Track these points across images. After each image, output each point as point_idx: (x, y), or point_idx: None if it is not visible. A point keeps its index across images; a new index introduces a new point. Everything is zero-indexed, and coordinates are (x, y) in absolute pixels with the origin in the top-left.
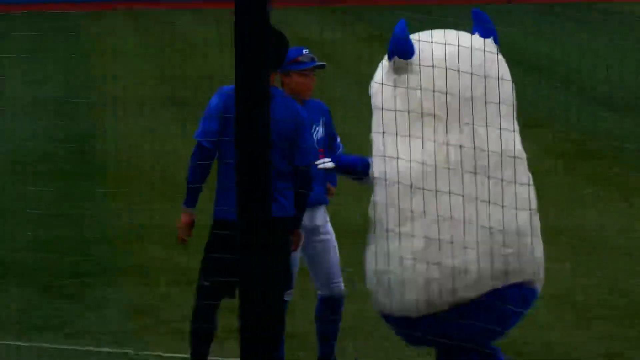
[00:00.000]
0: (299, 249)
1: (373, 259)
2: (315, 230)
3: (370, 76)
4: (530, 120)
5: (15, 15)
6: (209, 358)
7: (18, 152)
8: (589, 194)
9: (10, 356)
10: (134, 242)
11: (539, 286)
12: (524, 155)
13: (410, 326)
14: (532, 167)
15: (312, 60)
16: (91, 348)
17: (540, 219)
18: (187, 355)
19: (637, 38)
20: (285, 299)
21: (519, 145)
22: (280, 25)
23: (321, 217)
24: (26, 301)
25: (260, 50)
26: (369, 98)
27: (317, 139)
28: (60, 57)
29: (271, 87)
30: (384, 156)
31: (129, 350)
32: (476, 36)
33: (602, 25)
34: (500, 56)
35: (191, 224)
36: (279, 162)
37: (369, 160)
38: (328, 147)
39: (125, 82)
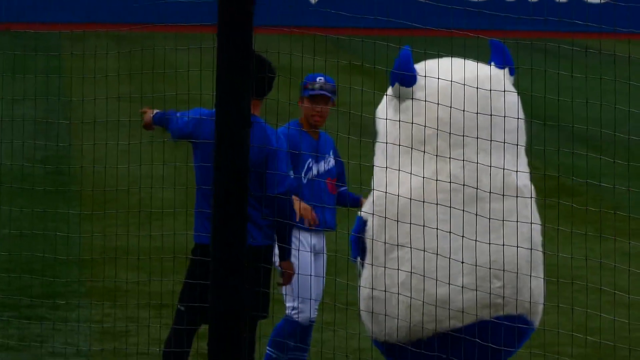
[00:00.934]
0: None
1: (363, 286)
2: (318, 254)
3: (349, 105)
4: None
5: None
6: None
7: None
8: (563, 230)
9: None
10: (106, 264)
11: (535, 320)
12: (528, 190)
13: (395, 353)
14: None
15: (321, 89)
16: None
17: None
18: None
19: (616, 75)
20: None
21: (522, 180)
22: (261, 52)
23: (324, 242)
24: None
25: (242, 75)
26: (348, 126)
27: (328, 169)
28: (40, 76)
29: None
30: (373, 189)
31: None
32: (486, 66)
33: (583, 61)
34: (511, 88)
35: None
36: (253, 189)
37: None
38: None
39: (104, 104)
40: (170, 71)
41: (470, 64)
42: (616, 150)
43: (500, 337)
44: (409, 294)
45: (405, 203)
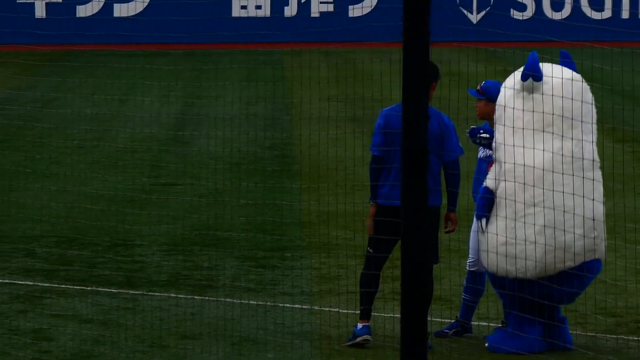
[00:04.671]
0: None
1: (503, 233)
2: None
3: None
4: (629, 136)
5: (235, 50)
6: (373, 314)
7: (235, 155)
8: None
9: (226, 311)
10: (321, 225)
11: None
12: (598, 160)
13: (517, 287)
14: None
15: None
16: (287, 305)
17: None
18: (357, 312)
19: None
20: None
21: (596, 154)
22: (436, 61)
23: None
24: (238, 269)
25: (422, 79)
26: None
27: (489, 155)
28: (268, 83)
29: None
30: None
31: (315, 307)
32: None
33: None
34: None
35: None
36: (433, 163)
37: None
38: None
39: (317, 103)
40: (367, 78)
41: (565, 69)
42: None
43: (585, 277)
44: (543, 241)
45: (539, 172)
